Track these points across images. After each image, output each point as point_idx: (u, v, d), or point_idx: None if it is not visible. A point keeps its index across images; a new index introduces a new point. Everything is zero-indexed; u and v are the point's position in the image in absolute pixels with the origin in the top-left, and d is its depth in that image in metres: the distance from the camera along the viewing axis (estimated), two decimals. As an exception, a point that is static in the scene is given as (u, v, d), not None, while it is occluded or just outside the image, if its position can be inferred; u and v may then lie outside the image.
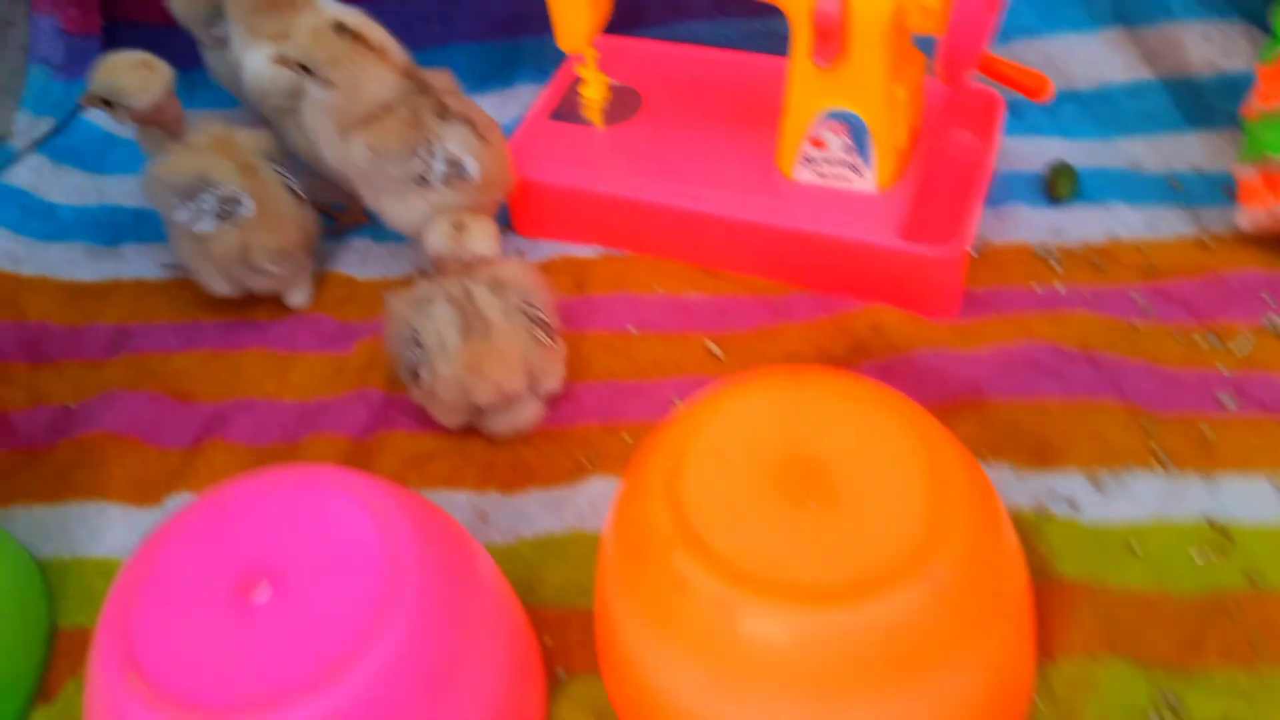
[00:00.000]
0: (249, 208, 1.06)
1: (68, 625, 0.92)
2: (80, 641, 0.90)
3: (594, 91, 1.20)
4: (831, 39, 0.96)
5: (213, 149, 1.07)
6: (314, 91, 1.04)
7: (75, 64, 1.41)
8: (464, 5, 1.39)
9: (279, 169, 1.09)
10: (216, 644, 0.68)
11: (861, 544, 0.69)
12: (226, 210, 1.06)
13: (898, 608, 0.67)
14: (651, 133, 1.19)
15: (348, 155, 1.06)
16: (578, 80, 1.23)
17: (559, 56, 1.35)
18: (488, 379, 0.95)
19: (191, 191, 1.06)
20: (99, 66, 1.05)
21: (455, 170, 1.05)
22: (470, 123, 1.06)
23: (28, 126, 1.37)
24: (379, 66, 1.03)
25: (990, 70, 1.02)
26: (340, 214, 1.25)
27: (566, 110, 1.23)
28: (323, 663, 0.66)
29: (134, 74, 1.04)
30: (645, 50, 1.29)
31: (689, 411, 0.78)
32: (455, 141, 1.05)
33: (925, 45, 1.03)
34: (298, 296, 1.15)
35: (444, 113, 1.05)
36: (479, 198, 1.08)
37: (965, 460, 0.75)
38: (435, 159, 1.04)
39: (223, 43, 1.20)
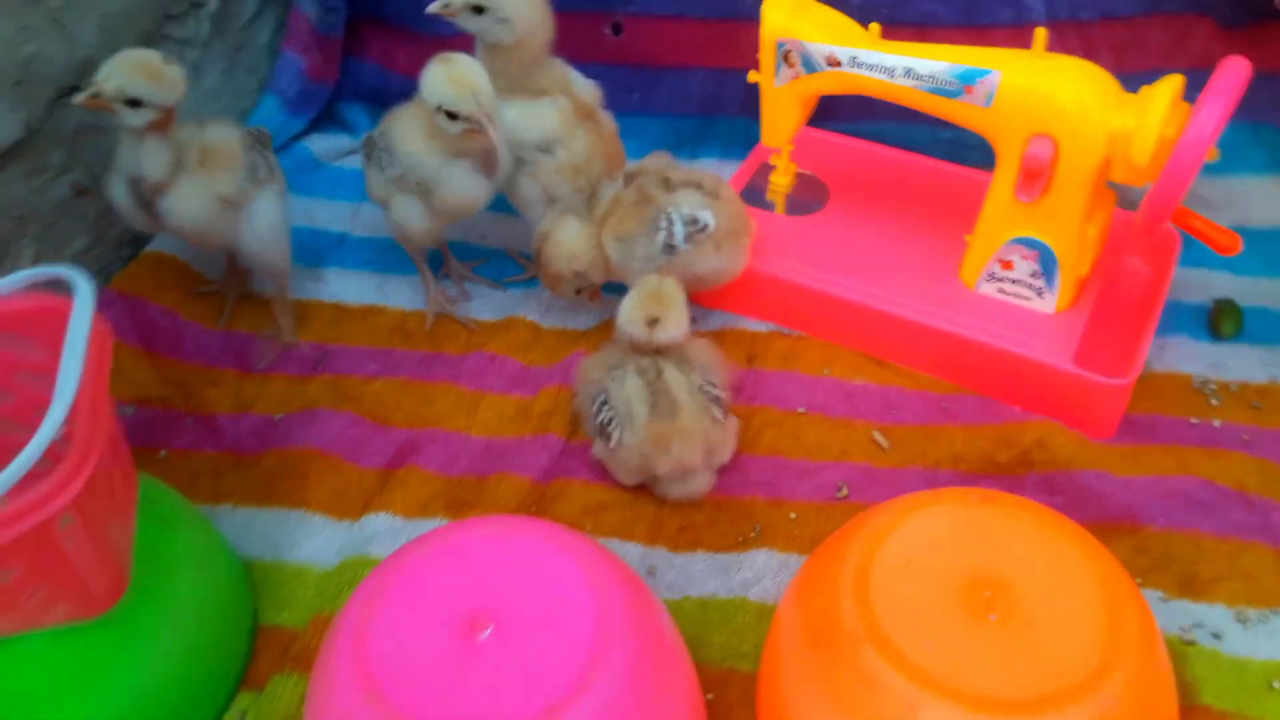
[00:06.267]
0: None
1: (267, 623, 1.01)
2: (280, 639, 0.99)
3: (783, 179, 1.27)
4: (1038, 180, 1.03)
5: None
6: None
7: (305, 104, 1.52)
8: (665, 81, 1.48)
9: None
10: (444, 673, 0.75)
11: (1040, 659, 0.74)
12: None
13: (1071, 726, 0.72)
14: (835, 225, 1.27)
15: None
16: (766, 166, 1.30)
17: (746, 137, 1.43)
18: (670, 454, 1.02)
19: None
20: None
21: (696, 228, 1.13)
22: (697, 185, 1.15)
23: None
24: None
25: (1184, 222, 1.07)
26: (528, 262, 1.33)
27: (752, 193, 1.31)
28: (541, 702, 0.73)
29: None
30: (836, 144, 1.37)
31: (879, 516, 0.84)
32: (688, 204, 1.14)
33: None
34: None
35: (668, 185, 1.14)
36: (726, 248, 1.16)
37: (1135, 591, 0.81)
38: (675, 224, 1.13)
39: None
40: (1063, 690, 0.73)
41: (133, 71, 1.05)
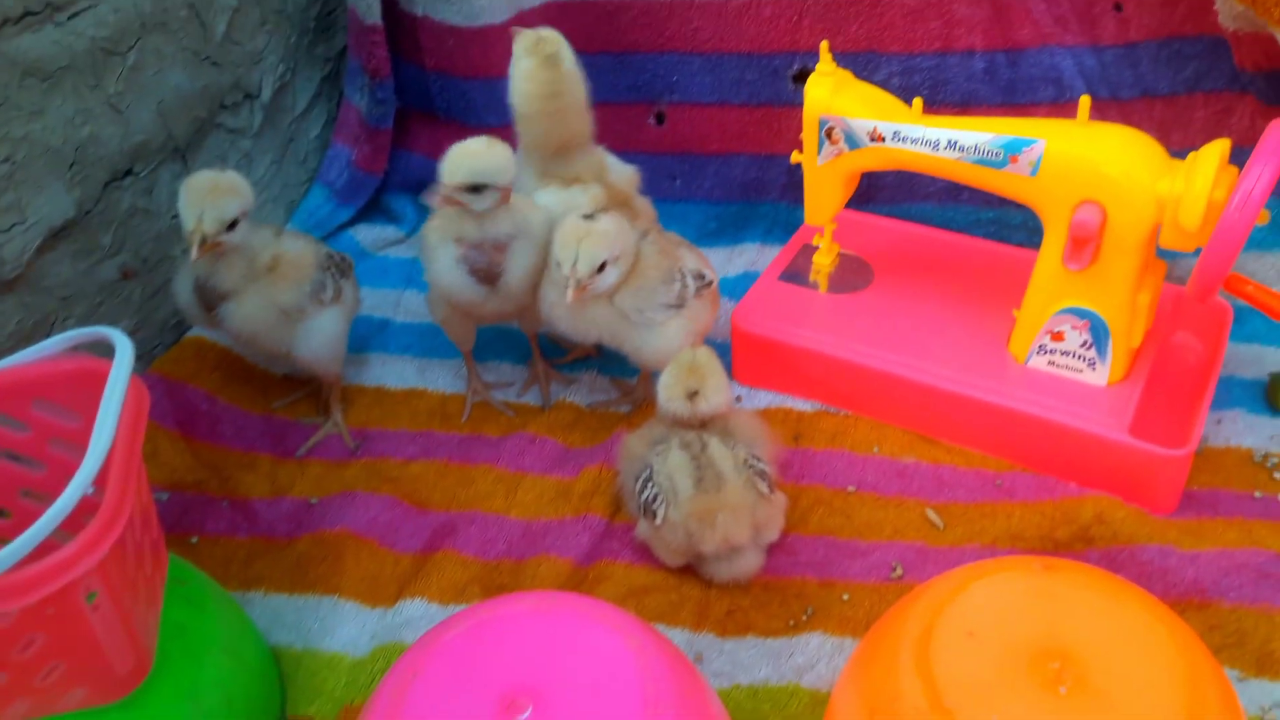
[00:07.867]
0: None
1: (295, 714, 0.97)
2: (309, 730, 0.95)
3: (825, 259, 1.25)
4: (1086, 247, 1.01)
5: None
6: (608, 278, 1.07)
7: (353, 195, 1.53)
8: (708, 168, 1.48)
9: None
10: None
11: (1116, 735, 0.70)
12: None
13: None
14: (880, 303, 1.25)
15: (615, 312, 1.11)
16: (808, 247, 1.29)
17: (788, 221, 1.43)
18: (716, 530, 0.99)
19: None
20: None
21: (702, 283, 1.13)
22: (689, 246, 1.17)
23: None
24: (628, 221, 1.11)
25: (1236, 289, 1.04)
26: (572, 346, 1.32)
27: (795, 273, 1.29)
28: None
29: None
30: (879, 226, 1.35)
31: (937, 587, 0.80)
32: (689, 258, 1.14)
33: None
34: None
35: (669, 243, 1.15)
36: (715, 304, 1.17)
37: (1212, 660, 0.76)
38: (687, 278, 1.12)
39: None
40: (1143, 767, 0.68)
41: (217, 198, 1.06)
